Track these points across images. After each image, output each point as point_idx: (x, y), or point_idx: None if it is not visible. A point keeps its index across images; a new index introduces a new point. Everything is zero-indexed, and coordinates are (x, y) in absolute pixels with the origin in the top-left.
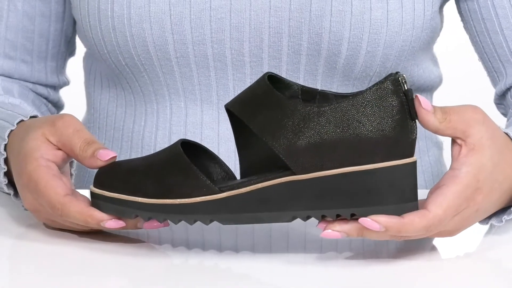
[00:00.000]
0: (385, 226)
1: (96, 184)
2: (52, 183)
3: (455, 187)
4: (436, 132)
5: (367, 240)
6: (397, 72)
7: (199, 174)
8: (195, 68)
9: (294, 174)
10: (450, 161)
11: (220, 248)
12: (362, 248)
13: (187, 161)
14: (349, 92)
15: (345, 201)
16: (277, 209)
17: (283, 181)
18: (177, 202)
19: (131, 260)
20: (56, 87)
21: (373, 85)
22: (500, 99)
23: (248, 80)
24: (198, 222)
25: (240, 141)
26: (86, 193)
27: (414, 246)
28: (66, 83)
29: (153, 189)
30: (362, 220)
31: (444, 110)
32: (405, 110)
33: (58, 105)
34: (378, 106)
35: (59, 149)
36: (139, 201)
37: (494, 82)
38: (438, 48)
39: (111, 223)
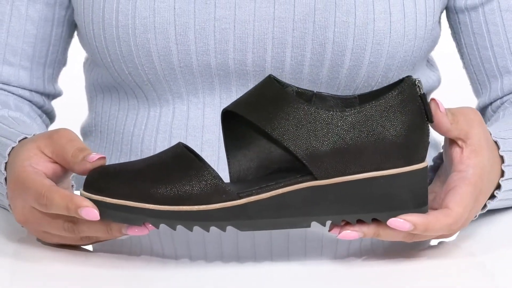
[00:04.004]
0: (414, 224)
1: (90, 189)
2: (38, 177)
3: (467, 187)
4: (446, 133)
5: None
6: (409, 76)
7: (217, 180)
8: (199, 76)
9: (316, 179)
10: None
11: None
12: (372, 251)
13: (202, 166)
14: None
15: (366, 205)
16: (298, 214)
17: (304, 186)
18: (195, 209)
19: (134, 273)
20: (51, 97)
21: (392, 90)
22: (481, 111)
23: (251, 85)
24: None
25: (232, 145)
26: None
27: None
28: (61, 93)
29: (165, 195)
30: (392, 221)
31: (452, 112)
32: (422, 114)
33: (51, 116)
34: (400, 111)
35: (54, 162)
36: (151, 208)
37: (477, 93)
38: (437, 49)
39: (88, 211)
